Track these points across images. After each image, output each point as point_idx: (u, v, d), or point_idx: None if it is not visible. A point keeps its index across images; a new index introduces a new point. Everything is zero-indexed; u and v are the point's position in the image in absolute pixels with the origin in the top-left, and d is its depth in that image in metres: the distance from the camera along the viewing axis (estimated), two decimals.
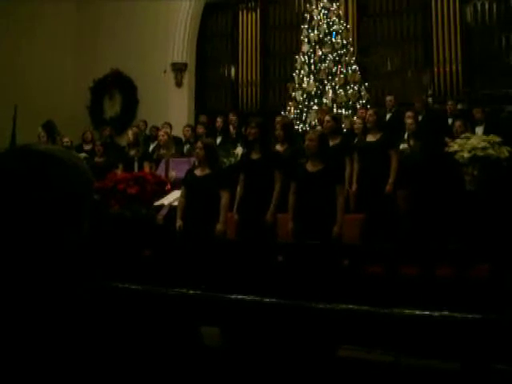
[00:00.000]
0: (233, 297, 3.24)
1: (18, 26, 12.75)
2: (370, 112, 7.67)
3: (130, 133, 9.96)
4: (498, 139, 7.54)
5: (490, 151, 7.39)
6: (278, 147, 8.02)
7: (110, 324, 1.22)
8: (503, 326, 2.45)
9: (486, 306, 4.77)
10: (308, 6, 11.78)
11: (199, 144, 6.80)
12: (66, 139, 10.95)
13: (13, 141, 10.93)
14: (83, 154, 10.67)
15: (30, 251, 1.16)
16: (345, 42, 11.32)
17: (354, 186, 7.32)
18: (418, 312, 2.69)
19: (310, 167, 6.25)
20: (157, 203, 7.50)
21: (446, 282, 5.14)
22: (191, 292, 3.59)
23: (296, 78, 11.34)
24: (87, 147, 11.30)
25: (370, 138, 7.40)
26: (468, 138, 7.65)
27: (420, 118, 9.79)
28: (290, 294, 4.30)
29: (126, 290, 3.79)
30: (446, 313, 2.60)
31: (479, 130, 9.10)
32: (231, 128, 11.09)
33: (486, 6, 11.86)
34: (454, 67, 11.77)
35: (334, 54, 11.10)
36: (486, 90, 11.48)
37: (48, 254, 1.18)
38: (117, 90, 14.35)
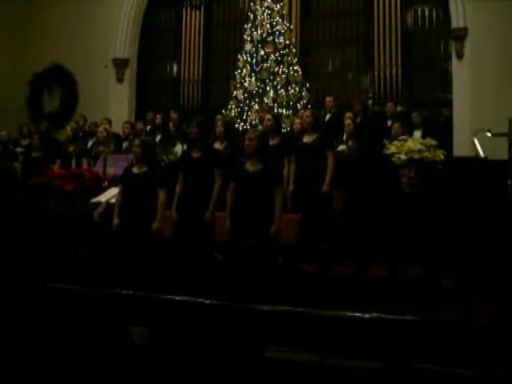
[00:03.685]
0: (163, 297, 3.22)
1: None
2: (307, 113, 7.67)
3: (69, 128, 9.82)
4: (434, 142, 7.69)
5: (426, 154, 7.53)
6: (218, 145, 8.05)
7: (40, 325, 1.19)
8: (426, 328, 2.50)
9: (419, 306, 4.86)
10: (252, 5, 11.77)
11: (136, 141, 6.77)
12: (2, 133, 10.75)
13: None
14: (20, 149, 10.49)
15: None
16: (287, 42, 11.36)
17: (291, 187, 7.34)
18: (345, 314, 2.72)
19: (249, 167, 6.22)
20: (94, 200, 7.41)
21: (379, 281, 5.22)
22: (122, 292, 3.54)
23: (238, 76, 11.34)
24: (24, 142, 11.09)
25: (307, 139, 7.40)
26: (405, 141, 7.78)
27: (359, 119, 9.92)
28: (226, 293, 4.30)
29: (59, 290, 3.73)
30: (371, 314, 2.64)
31: (417, 133, 9.26)
32: (171, 125, 11.03)
33: (426, 12, 12.08)
34: (394, 71, 11.93)
35: (277, 54, 11.14)
36: (425, 93, 11.72)
37: None
38: (57, 84, 14.08)
